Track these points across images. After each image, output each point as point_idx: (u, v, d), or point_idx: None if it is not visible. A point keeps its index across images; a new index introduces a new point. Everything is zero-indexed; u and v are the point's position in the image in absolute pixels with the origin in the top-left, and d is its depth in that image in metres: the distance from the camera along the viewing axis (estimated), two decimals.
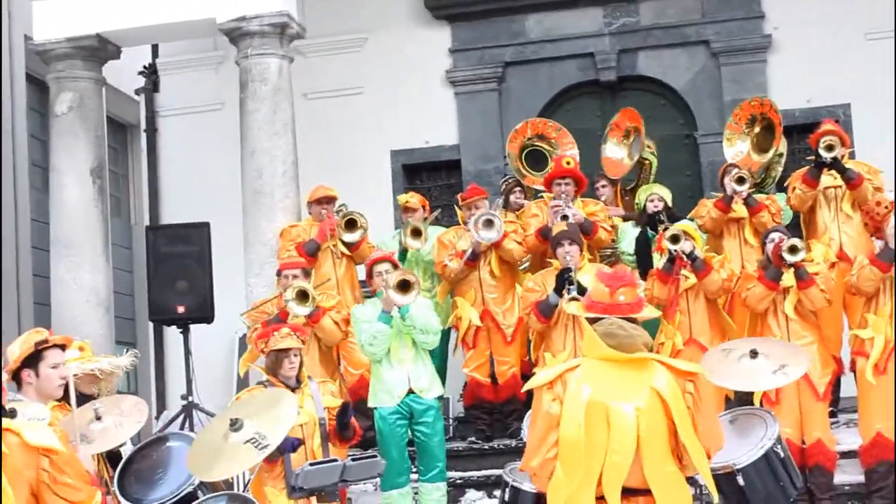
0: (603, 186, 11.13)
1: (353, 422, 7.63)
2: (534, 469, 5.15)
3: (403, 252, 10.37)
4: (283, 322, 8.82)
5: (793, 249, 8.50)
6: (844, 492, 8.79)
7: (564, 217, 9.71)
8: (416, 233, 10.29)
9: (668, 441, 5.02)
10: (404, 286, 8.54)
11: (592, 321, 5.21)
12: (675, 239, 9.01)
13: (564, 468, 5.01)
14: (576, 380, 5.06)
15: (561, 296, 8.80)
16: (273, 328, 7.74)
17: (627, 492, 4.99)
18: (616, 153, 11.36)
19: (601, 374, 5.06)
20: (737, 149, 10.72)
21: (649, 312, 5.36)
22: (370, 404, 8.83)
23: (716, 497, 5.38)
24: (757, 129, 10.77)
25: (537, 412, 5.17)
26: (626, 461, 4.95)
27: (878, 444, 8.49)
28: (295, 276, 9.38)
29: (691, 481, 5.34)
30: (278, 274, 9.65)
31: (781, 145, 10.74)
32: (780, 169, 10.81)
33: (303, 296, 9.09)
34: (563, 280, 8.80)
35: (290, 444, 7.25)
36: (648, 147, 11.42)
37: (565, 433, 5.00)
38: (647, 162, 11.46)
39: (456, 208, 10.78)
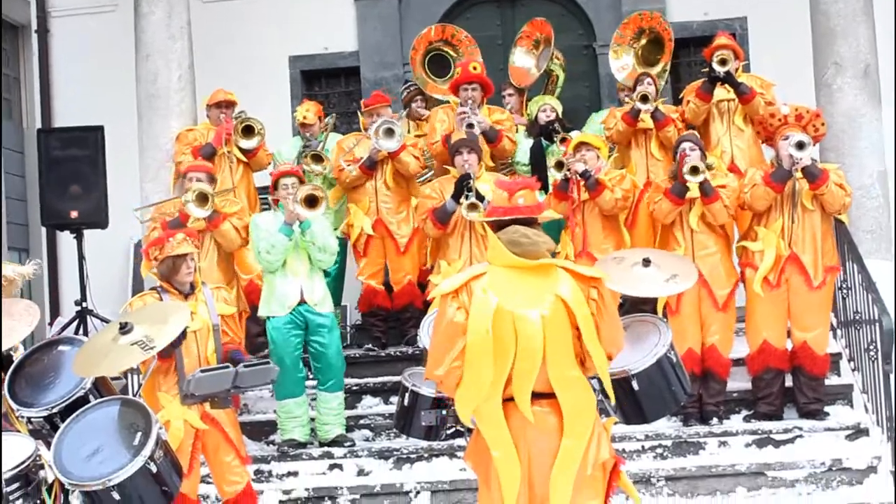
0: (510, 95, 11.13)
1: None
2: (440, 377, 5.23)
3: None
4: (183, 225, 8.77)
5: (693, 171, 8.59)
6: (732, 398, 9.02)
7: (470, 126, 9.71)
8: (317, 158, 10.23)
9: (572, 346, 5.13)
10: (311, 201, 8.53)
11: (497, 230, 5.26)
12: (559, 166, 9.12)
13: (472, 374, 5.11)
14: (481, 288, 5.14)
15: (459, 202, 8.86)
16: (168, 234, 7.65)
17: (533, 395, 5.13)
18: (524, 62, 11.35)
19: (507, 282, 5.14)
20: (622, 61, 10.78)
21: (550, 214, 5.44)
22: (261, 314, 8.86)
23: (613, 399, 5.50)
24: (643, 42, 10.84)
25: (441, 321, 5.24)
26: (534, 367, 5.08)
27: (764, 351, 8.73)
28: (199, 181, 9.25)
29: None
30: (182, 176, 9.52)
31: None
32: (663, 83, 10.87)
33: (203, 198, 9.01)
34: (462, 186, 8.85)
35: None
36: (557, 59, 11.43)
37: (473, 340, 5.09)
38: (553, 74, 11.48)
39: (358, 114, 10.72)
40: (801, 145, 8.52)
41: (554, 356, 5.10)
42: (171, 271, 7.51)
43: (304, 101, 11.04)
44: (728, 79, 9.65)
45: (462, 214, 8.86)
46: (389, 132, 9.71)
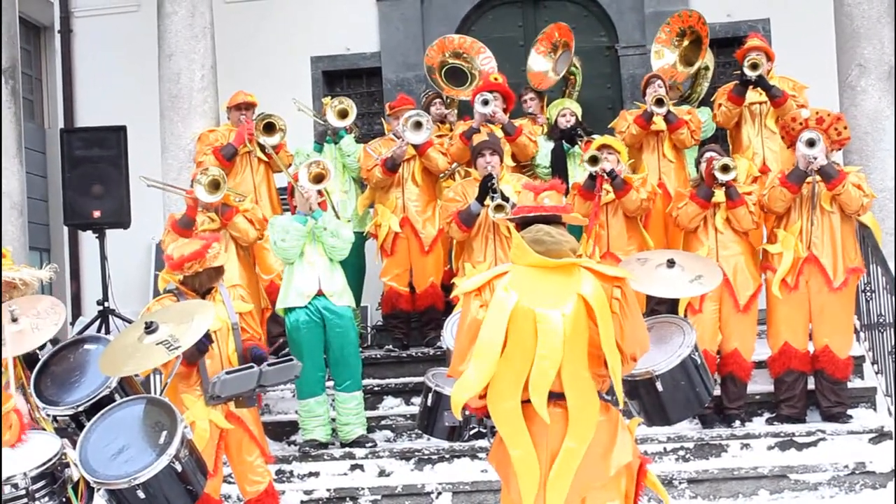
0: (531, 99, 11.09)
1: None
2: (461, 374, 5.20)
3: (320, 147, 10.32)
4: (192, 221, 8.81)
5: (725, 168, 8.57)
6: (754, 401, 9.01)
7: (485, 102, 9.72)
8: (343, 114, 10.22)
9: (589, 347, 5.10)
10: (318, 179, 8.62)
11: (521, 230, 5.27)
12: (593, 160, 9.07)
13: (475, 369, 5.07)
14: (503, 286, 5.12)
15: (483, 204, 8.86)
16: (205, 246, 7.46)
17: (551, 396, 5.09)
18: (540, 65, 11.31)
19: (529, 281, 5.13)
20: (664, 60, 10.78)
21: (576, 217, 5.51)
22: (279, 306, 8.81)
23: (621, 401, 5.46)
24: (686, 43, 10.83)
25: (464, 319, 5.24)
26: (554, 366, 5.04)
27: (785, 353, 8.71)
28: None
29: (611, 393, 5.41)
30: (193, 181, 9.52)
31: (709, 59, 10.81)
32: (707, 84, 10.87)
33: (214, 185, 9.00)
34: (486, 187, 8.83)
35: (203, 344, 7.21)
36: (574, 65, 11.40)
37: (483, 335, 5.07)
38: (572, 77, 11.46)
39: (383, 120, 10.71)
40: (811, 142, 8.49)
41: (571, 356, 5.07)
42: (212, 280, 7.45)
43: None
44: (760, 82, 9.63)
45: (488, 216, 8.85)
46: (418, 125, 9.72)
